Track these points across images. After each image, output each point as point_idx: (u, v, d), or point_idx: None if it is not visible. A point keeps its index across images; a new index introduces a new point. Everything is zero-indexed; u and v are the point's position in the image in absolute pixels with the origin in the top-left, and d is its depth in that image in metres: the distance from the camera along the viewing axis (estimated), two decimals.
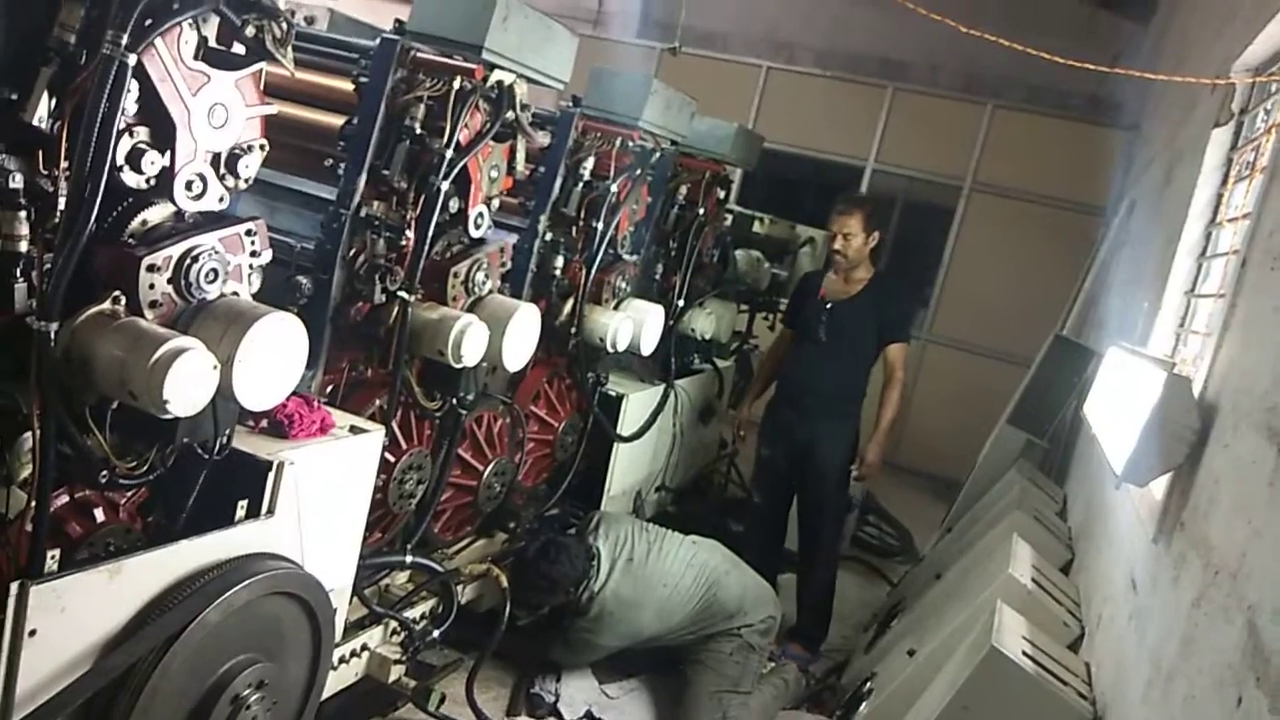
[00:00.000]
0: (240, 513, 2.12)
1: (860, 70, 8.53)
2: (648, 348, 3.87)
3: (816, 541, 4.30)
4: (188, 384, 1.74)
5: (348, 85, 2.71)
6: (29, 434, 1.73)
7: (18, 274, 1.73)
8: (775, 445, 4.30)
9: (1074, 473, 4.39)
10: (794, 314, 4.49)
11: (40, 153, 1.73)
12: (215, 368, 1.79)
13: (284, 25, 1.93)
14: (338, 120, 2.69)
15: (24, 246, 1.72)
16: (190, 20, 1.78)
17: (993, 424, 6.81)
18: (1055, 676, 2.19)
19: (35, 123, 1.71)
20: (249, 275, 2.04)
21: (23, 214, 1.71)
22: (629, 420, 4.06)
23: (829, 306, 4.16)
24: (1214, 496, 1.64)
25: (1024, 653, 2.19)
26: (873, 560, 5.70)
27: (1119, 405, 2.36)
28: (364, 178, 2.59)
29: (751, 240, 5.70)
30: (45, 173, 1.73)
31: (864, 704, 3.03)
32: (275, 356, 1.95)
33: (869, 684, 3.19)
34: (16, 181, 1.70)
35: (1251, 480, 1.44)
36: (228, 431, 2.06)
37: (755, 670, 3.33)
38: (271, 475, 2.14)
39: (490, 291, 2.91)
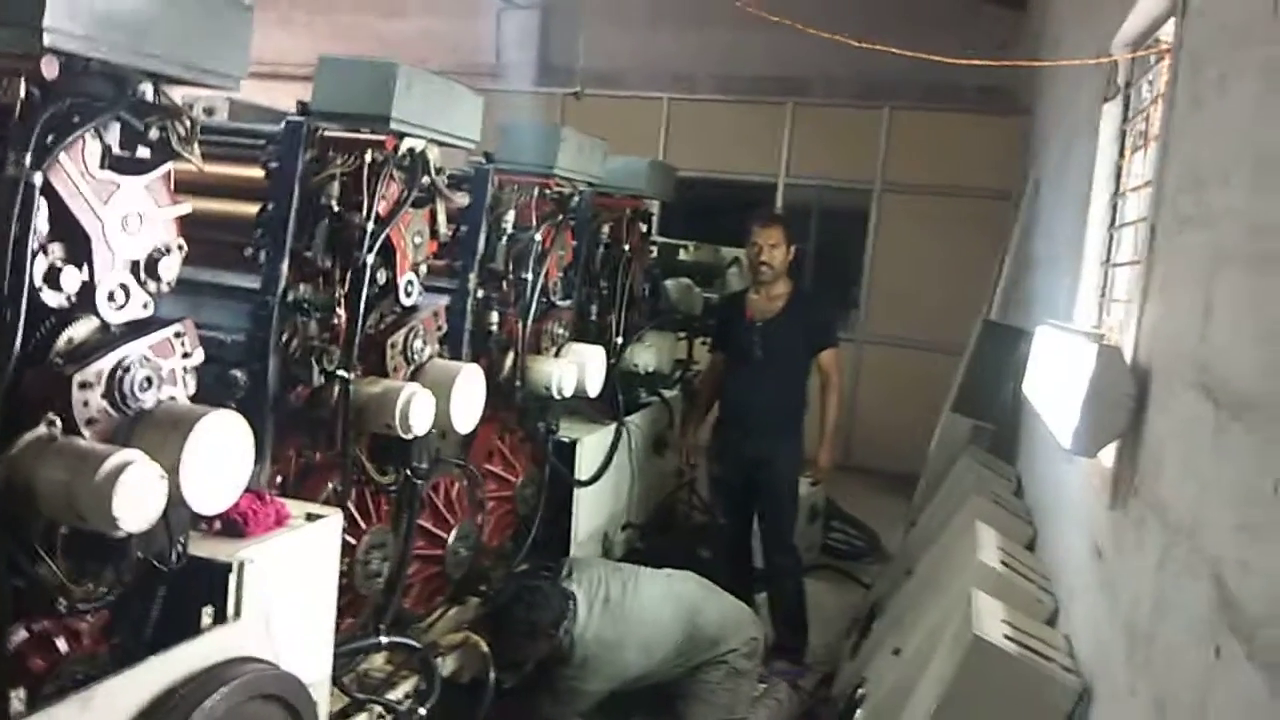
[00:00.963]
0: (206, 620, 2.06)
1: (759, 90, 8.72)
2: (594, 389, 3.87)
3: (779, 554, 4.36)
4: (137, 498, 1.69)
5: (257, 172, 2.69)
6: None
7: None
8: (726, 465, 4.41)
9: (1023, 451, 4.49)
10: (722, 338, 4.60)
11: None
12: (162, 477, 1.75)
13: (187, 123, 1.92)
14: (250, 208, 2.66)
15: None
16: (92, 130, 1.76)
17: (937, 414, 6.95)
18: (1040, 655, 2.23)
19: None
20: (183, 378, 2.00)
21: None
22: (586, 464, 4.05)
23: (759, 326, 4.28)
24: (1161, 458, 1.70)
25: (1006, 636, 2.23)
26: (843, 565, 5.74)
27: (1056, 381, 2.43)
28: (286, 262, 2.56)
29: (679, 268, 5.76)
30: None
31: (858, 711, 3.04)
32: (222, 456, 1.91)
33: (860, 690, 3.21)
34: None
35: (1195, 437, 1.50)
36: (182, 540, 2.01)
37: (747, 695, 3.33)
38: (233, 577, 2.09)
39: (430, 357, 2.89)
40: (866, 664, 3.47)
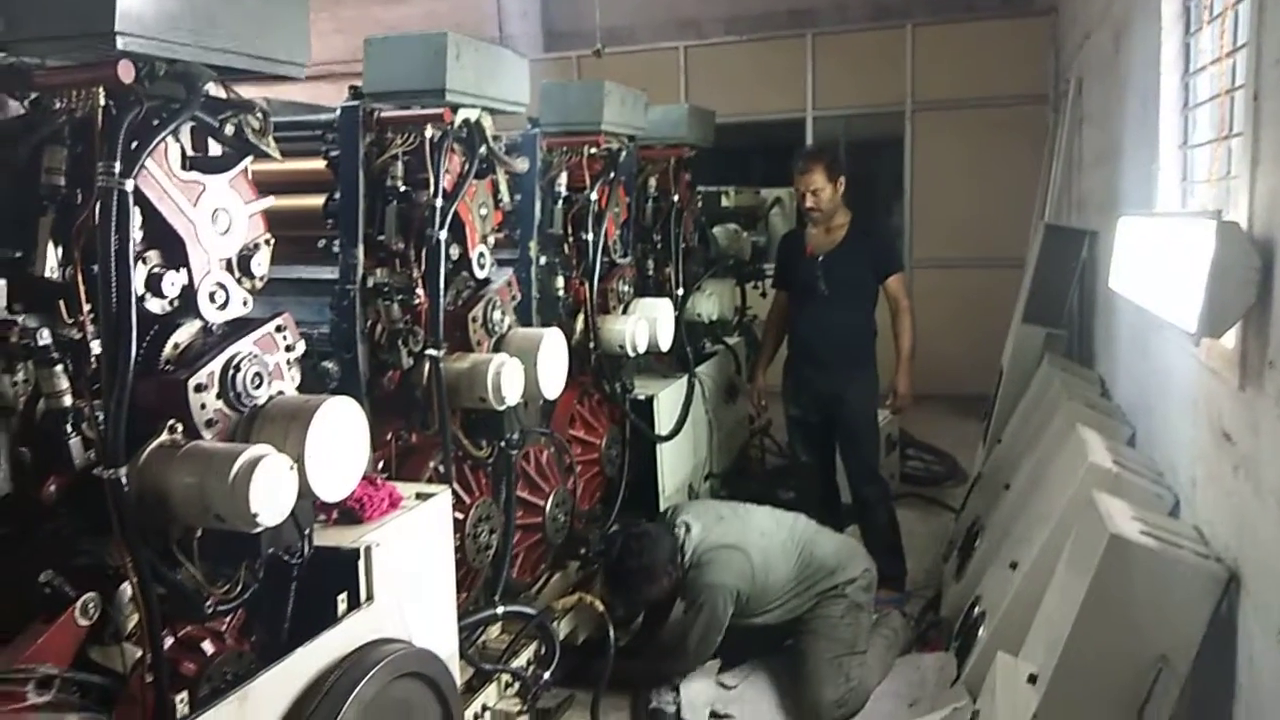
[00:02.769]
0: (341, 606, 2.08)
1: (772, 26, 8.54)
2: (666, 342, 3.85)
3: (866, 484, 4.31)
4: (271, 491, 1.70)
5: (315, 164, 2.67)
6: (125, 585, 1.69)
7: (68, 429, 1.69)
8: (802, 404, 4.34)
9: (1104, 351, 4.39)
10: (784, 275, 4.52)
11: (60, 303, 1.69)
12: (292, 468, 1.75)
13: (260, 116, 1.90)
14: (312, 200, 2.66)
15: (68, 400, 1.68)
16: (172, 132, 1.74)
17: (997, 330, 6.84)
18: (1177, 547, 2.18)
19: (47, 274, 1.67)
20: (289, 371, 2.00)
21: (59, 368, 1.67)
22: (664, 418, 4.03)
23: (820, 260, 4.19)
24: None
25: (1141, 532, 2.18)
26: (925, 492, 5.70)
27: (1161, 269, 2.36)
28: (361, 249, 2.55)
29: (723, 214, 5.69)
30: (70, 321, 1.69)
31: (980, 629, 3.01)
32: (341, 442, 1.91)
33: (977, 609, 3.18)
34: (45, 338, 1.66)
35: None
36: (309, 531, 2.02)
37: (866, 628, 3.31)
38: (362, 562, 2.11)
39: (510, 327, 2.88)
40: (977, 583, 3.44)
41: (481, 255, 2.77)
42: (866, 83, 8.27)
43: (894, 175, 8.38)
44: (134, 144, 1.65)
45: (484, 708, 2.74)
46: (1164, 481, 2.85)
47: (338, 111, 2.56)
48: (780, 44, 8.50)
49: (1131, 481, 2.73)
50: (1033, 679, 2.32)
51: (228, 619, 1.99)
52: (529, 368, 2.75)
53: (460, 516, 2.73)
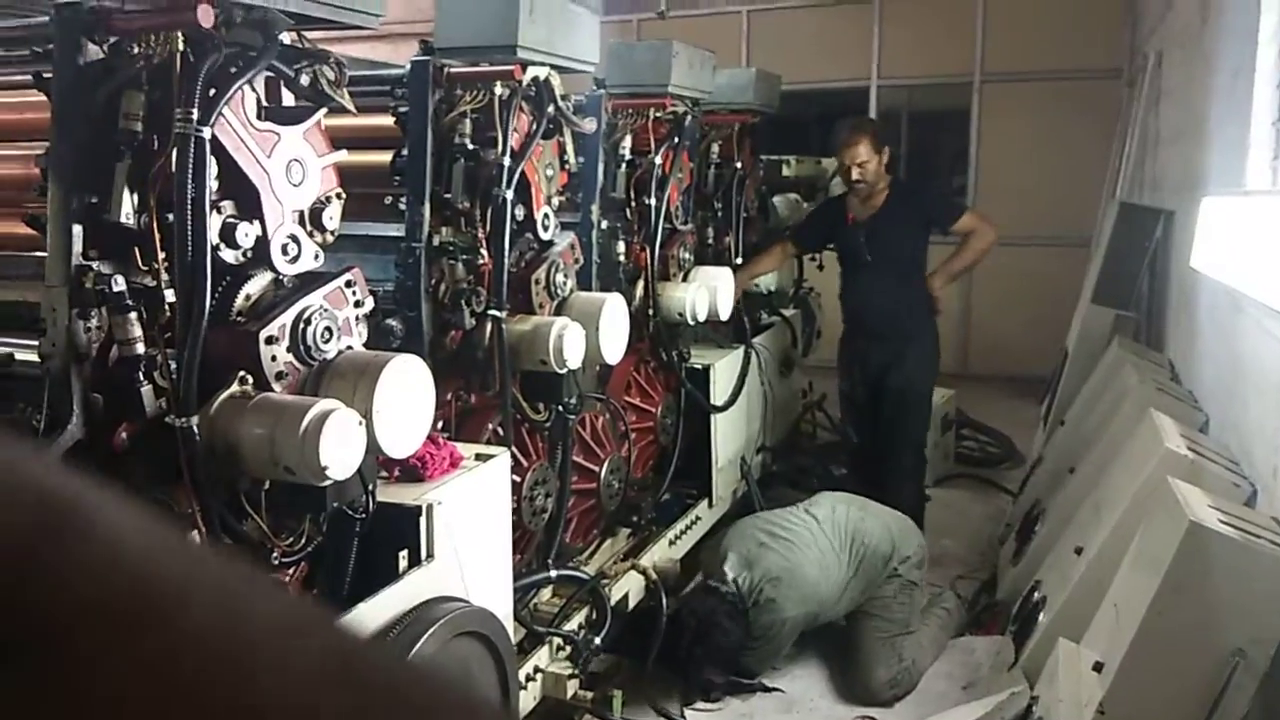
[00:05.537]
0: (403, 563, 2.08)
1: None
2: (725, 312, 3.80)
3: (902, 449, 4.21)
4: (341, 445, 1.69)
5: (382, 120, 2.65)
6: (193, 534, 1.70)
7: (140, 377, 1.69)
8: (854, 377, 4.26)
9: (1176, 335, 4.26)
10: (808, 237, 4.46)
11: (135, 250, 1.69)
12: (361, 423, 1.75)
13: (336, 66, 1.87)
14: (379, 157, 2.64)
15: (140, 348, 1.69)
16: (249, 81, 1.73)
17: (1060, 310, 6.69)
18: (1257, 538, 2.10)
19: (122, 221, 1.67)
20: (357, 326, 2.00)
21: (133, 315, 1.67)
22: (719, 389, 3.99)
23: (862, 226, 4.10)
24: None
25: (1220, 521, 2.11)
26: (980, 473, 5.60)
27: (1254, 250, 2.26)
28: (428, 207, 2.53)
29: (783, 184, 5.60)
30: (144, 268, 1.70)
31: (1040, 614, 2.95)
32: (408, 399, 1.91)
33: (1036, 593, 3.11)
34: (119, 284, 1.66)
35: None
36: (373, 487, 2.02)
37: (919, 606, 3.26)
38: (424, 520, 2.10)
39: (572, 291, 2.85)
40: (1036, 567, 3.37)
41: (546, 216, 2.74)
42: (934, 52, 8.06)
43: (958, 149, 8.19)
44: (211, 91, 1.64)
45: (536, 669, 2.74)
46: (1240, 470, 2.75)
47: (407, 67, 2.53)
48: (846, 10, 8.31)
49: (1208, 469, 2.64)
50: (1098, 667, 2.26)
51: (291, 572, 2.00)
52: (590, 332, 2.73)
53: (517, 479, 2.72)
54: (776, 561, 3.10)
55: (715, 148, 4.22)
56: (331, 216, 1.93)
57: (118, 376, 1.67)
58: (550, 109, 2.67)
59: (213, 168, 1.67)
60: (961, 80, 8.00)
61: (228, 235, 1.73)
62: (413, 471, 2.25)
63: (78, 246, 1.64)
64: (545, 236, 2.76)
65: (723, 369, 4.01)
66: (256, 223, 1.78)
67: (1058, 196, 7.47)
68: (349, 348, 1.96)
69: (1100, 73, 7.42)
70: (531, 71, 2.60)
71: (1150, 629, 2.10)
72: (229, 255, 1.75)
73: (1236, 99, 3.14)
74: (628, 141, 3.38)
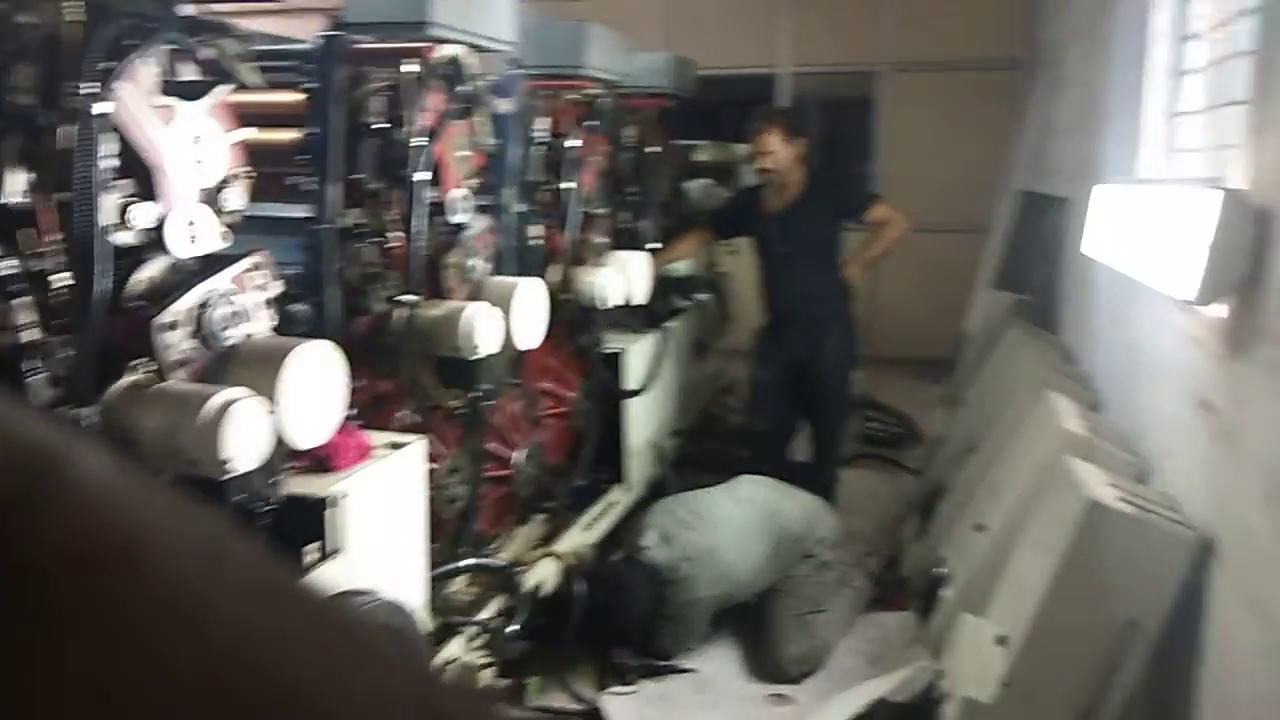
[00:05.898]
0: (310, 557, 2.02)
1: None
2: (641, 296, 3.80)
3: (829, 444, 4.32)
4: (246, 436, 1.64)
5: (288, 96, 2.56)
6: None
7: (31, 366, 1.60)
8: (774, 365, 4.31)
9: (1070, 318, 4.43)
10: (724, 225, 4.53)
11: (25, 231, 1.59)
12: (267, 412, 1.69)
13: (239, 40, 1.80)
14: (285, 135, 2.55)
15: (31, 335, 1.59)
16: (147, 54, 1.64)
17: (959, 295, 6.89)
18: (1151, 513, 2.20)
19: (10, 201, 1.57)
20: (262, 312, 1.93)
21: (23, 301, 1.58)
22: (633, 374, 3.99)
23: (777, 217, 4.15)
24: None
25: (1117, 498, 2.20)
26: (884, 453, 5.74)
27: (1148, 237, 2.36)
28: (336, 187, 2.46)
29: (697, 169, 5.62)
30: (35, 251, 1.60)
31: (944, 590, 3.04)
32: (317, 387, 1.85)
33: (940, 569, 3.21)
34: (7, 268, 1.57)
35: None
36: (278, 479, 1.96)
37: (831, 585, 3.33)
38: (332, 512, 2.05)
39: (486, 275, 2.81)
40: (939, 544, 3.47)
41: (460, 199, 2.69)
42: (842, 41, 8.18)
43: (865, 137, 8.35)
44: (108, 64, 1.55)
45: (449, 660, 2.70)
46: (1132, 448, 2.88)
47: (315, 42, 2.44)
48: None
49: (1102, 448, 2.75)
50: (1002, 640, 2.35)
51: None
52: (506, 317, 2.69)
53: (430, 467, 2.67)
54: (695, 541, 3.13)
55: (631, 131, 4.20)
56: (235, 197, 1.85)
57: (7, 365, 1.58)
58: (464, 89, 2.62)
59: (109, 145, 1.59)
60: (868, 69, 8.15)
61: (124, 216, 1.65)
62: (321, 461, 2.19)
63: None
64: (459, 219, 2.71)
65: (637, 354, 4.02)
66: (156, 203, 1.70)
67: (959, 184, 7.67)
68: (254, 334, 1.89)
69: (1000, 63, 7.64)
70: (444, 49, 2.55)
71: (1051, 603, 2.19)
72: (126, 237, 1.67)
73: (1132, 90, 3.27)
74: (542, 123, 3.34)
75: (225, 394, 1.62)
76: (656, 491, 4.16)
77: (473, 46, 2.62)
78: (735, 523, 3.21)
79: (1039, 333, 4.64)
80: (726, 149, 6.19)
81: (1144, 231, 2.41)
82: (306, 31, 2.59)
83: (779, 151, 4.03)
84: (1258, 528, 1.79)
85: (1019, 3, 7.50)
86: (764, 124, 4.08)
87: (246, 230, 2.76)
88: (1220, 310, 2.00)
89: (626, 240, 4.25)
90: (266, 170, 2.53)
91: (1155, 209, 2.35)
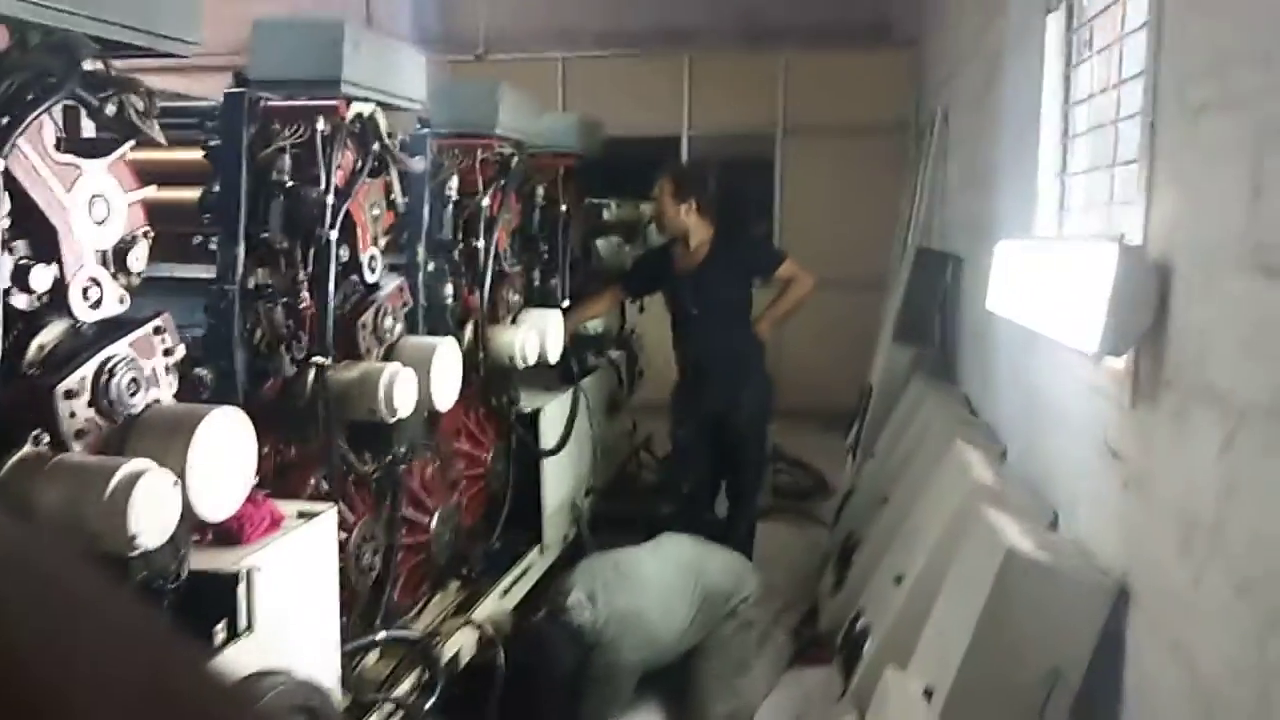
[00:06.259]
0: (219, 636, 1.91)
1: (649, 44, 8.60)
2: (555, 355, 3.76)
3: (746, 499, 4.35)
4: (153, 510, 1.53)
5: (190, 154, 2.47)
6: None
7: None
8: (693, 425, 4.33)
9: (970, 370, 4.57)
10: (636, 284, 4.63)
11: None
12: (175, 484, 1.59)
13: (145, 96, 1.72)
14: (187, 194, 2.45)
15: None
16: (49, 110, 1.56)
17: (859, 347, 7.07)
18: (1068, 562, 2.26)
19: None
20: (166, 377, 1.83)
21: None
22: (548, 433, 3.94)
23: (688, 277, 4.23)
24: (1207, 346, 1.72)
25: (1033, 547, 2.25)
26: (796, 505, 5.80)
27: (1048, 291, 2.45)
28: (242, 247, 2.37)
29: (605, 227, 5.64)
30: None
31: (866, 643, 3.05)
32: (226, 456, 1.76)
33: (860, 622, 3.22)
34: None
35: (1260, 317, 1.51)
36: (184, 553, 1.84)
37: (754, 644, 3.31)
38: (242, 588, 1.94)
39: (401, 335, 2.74)
40: (857, 596, 3.49)
41: (373, 258, 2.63)
42: (740, 105, 8.42)
43: (764, 197, 8.56)
44: (4, 119, 1.47)
45: None
46: (1041, 496, 2.96)
47: (219, 99, 2.38)
48: (658, 62, 8.56)
49: (1013, 497, 2.82)
50: (928, 693, 2.36)
51: None
52: (422, 378, 2.62)
53: (343, 536, 2.57)
54: (621, 601, 3.08)
55: (540, 190, 4.21)
56: (138, 257, 1.77)
57: None
58: (376, 146, 2.58)
59: (4, 203, 1.49)
60: (765, 132, 8.40)
61: (20, 278, 1.55)
62: (229, 533, 2.07)
63: None
64: (371, 279, 2.64)
65: (551, 412, 3.97)
66: (54, 264, 1.60)
67: (856, 241, 7.92)
68: (158, 400, 1.79)
69: (890, 126, 7.96)
70: (356, 107, 2.50)
71: (974, 654, 2.21)
72: (21, 300, 1.56)
73: (1023, 153, 3.43)
74: (454, 182, 3.31)
75: (130, 465, 1.52)
76: (573, 552, 4.09)
77: (383, 105, 2.58)
78: (660, 582, 3.17)
79: (940, 384, 4.77)
80: (633, 208, 6.26)
81: (1043, 285, 2.51)
82: (198, 88, 2.52)
83: (667, 207, 4.16)
84: (1173, 573, 1.85)
85: (906, 72, 7.86)
86: (658, 182, 4.21)
87: (148, 292, 2.66)
88: (1122, 361, 2.09)
89: (539, 298, 4.23)
90: (168, 229, 2.46)
91: (1053, 264, 2.45)
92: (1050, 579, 2.15)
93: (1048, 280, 2.49)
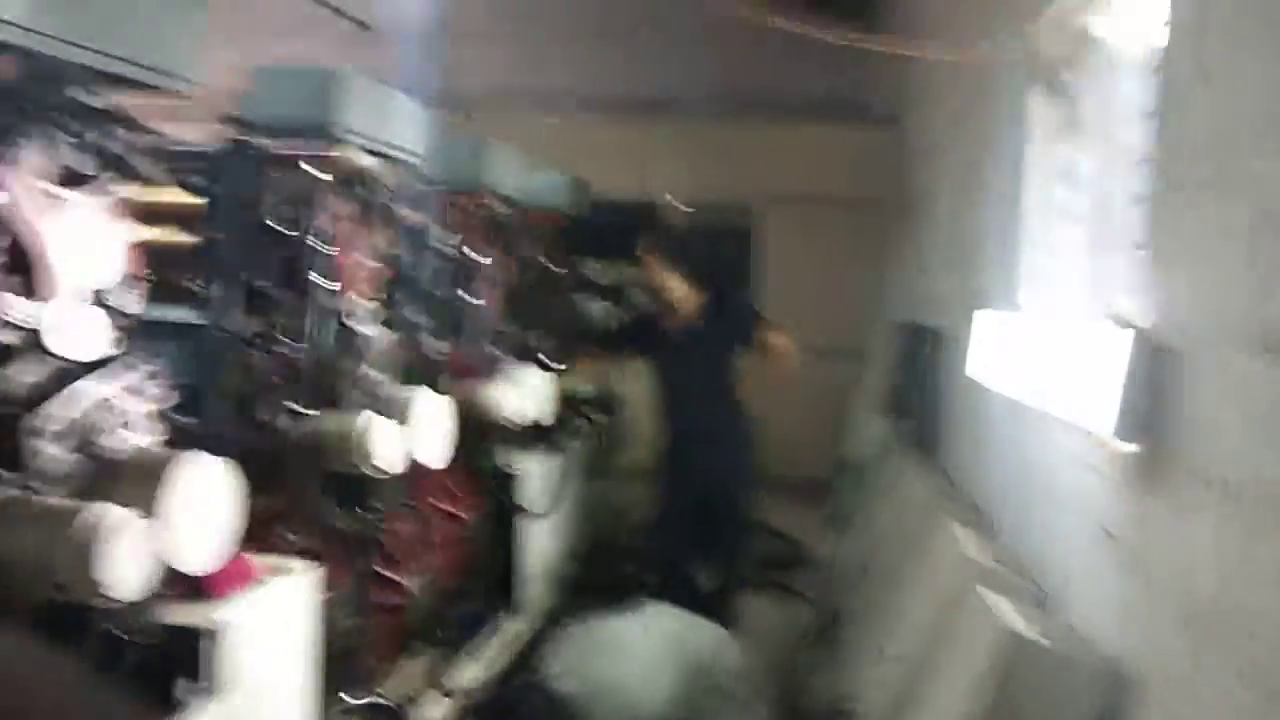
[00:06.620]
0: (184, 697, 1.80)
1: (625, 110, 8.71)
2: (543, 415, 3.71)
3: (731, 569, 4.27)
4: (125, 558, 1.46)
5: (181, 196, 2.43)
6: None
7: None
8: (676, 493, 4.26)
9: (953, 444, 4.54)
10: (624, 347, 4.63)
11: None
12: (148, 533, 1.51)
13: (134, 129, 1.69)
14: (175, 236, 2.41)
15: None
16: (36, 140, 1.52)
17: (833, 417, 7.04)
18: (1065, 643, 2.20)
19: None
20: (147, 421, 1.76)
21: None
22: (533, 495, 3.86)
23: (675, 344, 4.20)
24: (1211, 429, 1.70)
25: (1031, 629, 2.20)
26: (775, 576, 5.70)
27: (1044, 367, 2.44)
28: (231, 292, 2.31)
29: (590, 287, 5.63)
30: None
31: None
32: (207, 506, 1.68)
33: (844, 700, 3.14)
34: None
35: (1265, 399, 1.49)
36: (152, 606, 1.75)
37: (735, 717, 3.20)
38: (213, 645, 1.84)
39: (388, 388, 2.68)
40: (843, 675, 3.41)
41: (365, 308, 2.58)
42: (717, 173, 8.50)
43: (742, 265, 8.61)
44: None
45: None
46: (1028, 576, 2.91)
47: (213, 144, 2.34)
48: (638, 128, 8.66)
49: (1003, 575, 2.77)
50: None
51: None
52: (408, 432, 2.56)
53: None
54: (602, 672, 2.97)
55: (530, 248, 4.19)
56: (126, 297, 1.71)
57: None
58: (372, 197, 2.55)
59: None
60: (743, 202, 8.50)
61: (3, 312, 1.49)
62: (198, 587, 1.98)
63: None
64: (361, 329, 2.59)
65: (537, 474, 3.90)
66: (35, 299, 1.54)
67: (834, 311, 7.93)
68: (138, 445, 1.72)
69: (868, 201, 8.07)
70: (354, 156, 2.48)
71: None
72: (3, 336, 1.50)
73: (1005, 228, 3.46)
74: (447, 236, 3.28)
75: (102, 510, 1.45)
76: (551, 620, 3.98)
77: (381, 155, 2.56)
78: (643, 653, 3.07)
79: (921, 457, 4.75)
80: (617, 270, 6.27)
81: (1040, 362, 2.50)
82: (198, 132, 2.49)
83: (670, 279, 4.15)
84: (1176, 657, 1.81)
85: (881, 146, 7.99)
86: (646, 254, 4.19)
87: (133, 335, 2.59)
88: (1126, 445, 2.06)
89: (526, 357, 4.18)
90: (153, 272, 2.40)
91: (1052, 342, 2.44)
92: (1051, 662, 2.10)
93: (1044, 357, 2.48)
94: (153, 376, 1.71)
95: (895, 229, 7.33)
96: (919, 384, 5.13)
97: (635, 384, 4.96)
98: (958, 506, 3.67)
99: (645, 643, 3.11)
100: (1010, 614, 2.26)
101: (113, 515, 1.46)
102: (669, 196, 8.51)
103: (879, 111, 8.26)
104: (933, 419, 5.13)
